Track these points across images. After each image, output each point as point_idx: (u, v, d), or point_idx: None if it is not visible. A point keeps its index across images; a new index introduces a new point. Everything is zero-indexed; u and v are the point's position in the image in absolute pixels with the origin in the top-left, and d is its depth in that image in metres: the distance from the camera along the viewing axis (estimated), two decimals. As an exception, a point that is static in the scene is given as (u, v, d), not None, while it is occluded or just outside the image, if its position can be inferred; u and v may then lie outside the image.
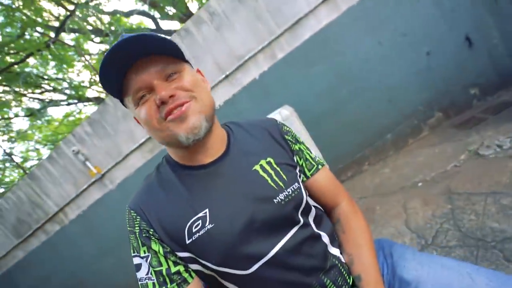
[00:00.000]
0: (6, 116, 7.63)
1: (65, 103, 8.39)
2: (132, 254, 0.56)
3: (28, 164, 9.25)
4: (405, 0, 2.37)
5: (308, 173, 0.68)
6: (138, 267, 0.54)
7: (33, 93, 7.67)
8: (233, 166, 0.59)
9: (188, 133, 0.51)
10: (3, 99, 7.18)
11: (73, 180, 3.18)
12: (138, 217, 0.55)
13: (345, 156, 2.77)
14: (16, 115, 7.80)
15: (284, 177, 0.60)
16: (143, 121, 0.54)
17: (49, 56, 6.66)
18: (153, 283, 0.52)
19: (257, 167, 0.59)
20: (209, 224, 0.52)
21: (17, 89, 6.98)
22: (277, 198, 0.57)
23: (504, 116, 2.19)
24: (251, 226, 0.54)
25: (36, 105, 8.07)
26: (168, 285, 0.52)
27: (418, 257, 0.61)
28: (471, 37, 2.40)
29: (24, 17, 5.41)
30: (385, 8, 2.40)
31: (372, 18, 2.43)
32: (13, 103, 7.51)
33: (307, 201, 0.62)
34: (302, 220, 0.59)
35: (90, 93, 8.95)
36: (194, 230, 0.52)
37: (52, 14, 6.38)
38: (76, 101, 8.56)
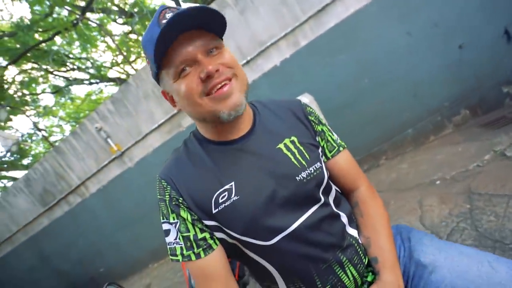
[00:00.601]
0: (34, 91, 8.00)
1: (87, 82, 8.68)
2: (162, 221, 0.59)
3: (51, 139, 9.73)
4: (440, -12, 2.24)
5: (329, 154, 0.69)
6: (167, 232, 0.58)
7: (58, 71, 7.97)
8: (258, 143, 0.61)
9: (230, 110, 0.52)
10: (32, 75, 7.51)
11: (95, 155, 3.33)
12: (168, 186, 0.58)
13: (362, 149, 2.72)
14: (43, 91, 8.16)
15: (307, 156, 0.62)
16: (182, 95, 0.54)
17: (75, 36, 6.84)
18: (181, 247, 0.56)
19: (281, 146, 0.61)
20: (234, 196, 0.56)
21: (44, 66, 7.27)
22: (300, 176, 0.59)
23: (537, 117, 2.07)
24: (273, 201, 0.56)
25: (61, 83, 8.41)
26: (195, 250, 0.56)
27: (436, 243, 0.61)
28: (510, 31, 2.24)
29: (53, -5, 5.56)
30: (418, -4, 2.28)
31: (403, 6, 2.31)
32: (40, 80, 7.85)
33: (328, 180, 0.64)
34: (323, 199, 0.61)
35: (111, 73, 9.19)
36: (220, 201, 0.56)
37: (79, -6, 6.50)
38: (98, 80, 8.82)
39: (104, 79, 8.66)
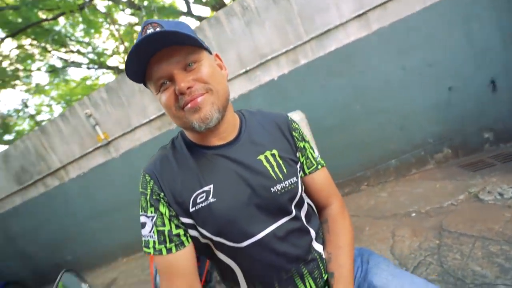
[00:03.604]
0: (28, 68, 7.84)
1: (86, 66, 8.57)
2: (140, 213, 0.62)
3: (38, 118, 9.48)
4: (438, 32, 2.36)
5: (306, 170, 0.73)
6: (143, 225, 0.60)
7: (57, 51, 7.86)
8: (240, 152, 0.64)
9: (200, 122, 0.56)
10: (29, 51, 7.37)
11: (80, 141, 3.28)
12: (151, 181, 0.61)
13: (345, 172, 2.78)
14: (38, 69, 8.00)
15: (284, 170, 0.65)
16: (163, 106, 0.59)
17: (80, 19, 6.79)
18: (154, 241, 0.58)
19: (261, 157, 0.65)
20: (212, 198, 0.59)
21: (43, 45, 7.16)
22: (274, 187, 0.62)
23: (512, 165, 2.18)
24: (247, 208, 0.60)
25: (58, 63, 8.27)
26: (167, 245, 0.58)
27: (391, 269, 0.65)
28: (496, 82, 2.38)
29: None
30: (416, 35, 2.39)
31: (401, 43, 2.42)
32: (37, 57, 7.70)
33: (301, 195, 0.68)
34: (294, 212, 0.64)
35: (111, 61, 9.13)
36: (198, 201, 0.59)
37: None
38: (96, 66, 8.73)
39: (103, 66, 8.58)
